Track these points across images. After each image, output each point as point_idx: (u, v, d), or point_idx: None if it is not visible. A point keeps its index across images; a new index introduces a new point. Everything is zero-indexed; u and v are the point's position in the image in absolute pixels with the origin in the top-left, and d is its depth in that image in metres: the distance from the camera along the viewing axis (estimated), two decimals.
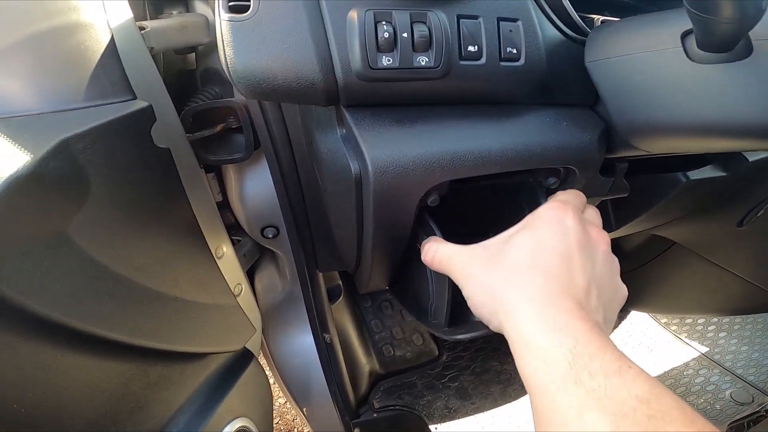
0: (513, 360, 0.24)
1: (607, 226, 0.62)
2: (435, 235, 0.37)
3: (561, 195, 0.34)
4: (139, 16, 0.56)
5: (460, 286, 0.30)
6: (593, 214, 0.33)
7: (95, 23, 0.39)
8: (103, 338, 0.34)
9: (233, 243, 0.77)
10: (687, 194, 0.58)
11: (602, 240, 0.29)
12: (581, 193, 0.35)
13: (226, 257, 0.56)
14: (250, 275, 0.82)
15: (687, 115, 0.34)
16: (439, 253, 0.31)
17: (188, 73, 0.65)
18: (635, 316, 1.08)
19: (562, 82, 0.40)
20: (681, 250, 0.84)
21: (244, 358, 0.57)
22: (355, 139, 0.34)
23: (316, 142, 0.42)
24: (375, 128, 0.34)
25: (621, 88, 0.37)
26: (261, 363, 0.62)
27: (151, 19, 0.58)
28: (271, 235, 0.64)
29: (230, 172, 0.64)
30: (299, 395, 0.76)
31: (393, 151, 0.33)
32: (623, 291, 0.30)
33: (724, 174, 0.58)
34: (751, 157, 0.58)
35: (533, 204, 0.41)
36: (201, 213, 0.48)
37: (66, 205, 0.32)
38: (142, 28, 0.49)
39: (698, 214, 0.68)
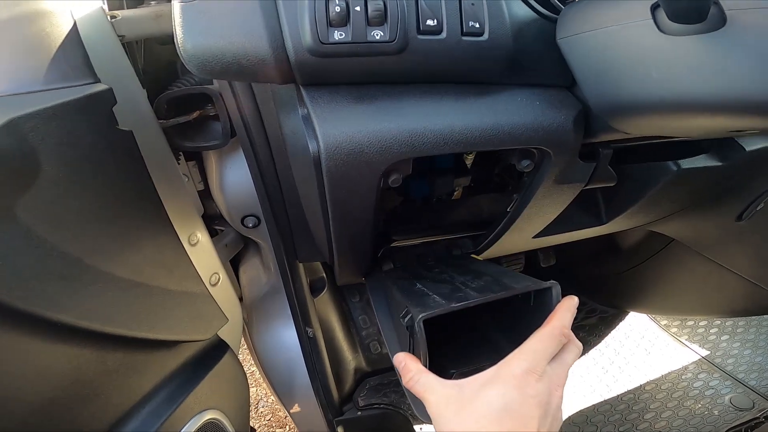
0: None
1: (597, 219, 0.60)
2: (420, 344, 0.34)
3: (536, 341, 0.34)
4: (118, 6, 0.56)
5: (431, 417, 0.33)
6: (567, 359, 0.35)
7: (56, 11, 0.39)
8: (51, 321, 0.33)
9: (215, 233, 0.76)
10: (680, 185, 0.56)
11: (558, 391, 0.33)
12: (563, 330, 0.34)
13: (201, 245, 0.56)
14: (235, 267, 0.82)
15: (661, 90, 0.32)
16: (419, 384, 0.34)
17: (171, 62, 0.65)
18: (634, 317, 1.04)
19: (534, 62, 0.38)
20: (680, 247, 0.81)
21: (218, 348, 0.56)
22: (311, 116, 0.33)
23: (281, 123, 0.41)
24: (331, 105, 0.33)
25: (593, 65, 0.35)
26: (239, 356, 0.61)
27: (130, 8, 0.58)
28: (251, 225, 0.64)
29: (211, 161, 0.64)
30: (283, 391, 0.75)
31: (348, 128, 0.32)
32: (561, 417, 0.34)
33: (720, 164, 0.55)
34: (749, 147, 0.55)
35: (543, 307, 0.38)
36: (170, 198, 0.47)
37: (13, 183, 0.31)
38: (114, 17, 0.49)
39: (695, 208, 0.65)
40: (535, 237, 0.53)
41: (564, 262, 1.17)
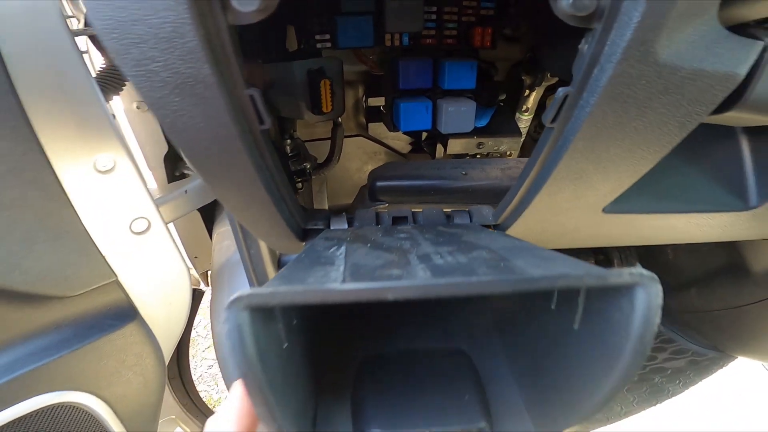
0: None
1: (740, 198, 0.33)
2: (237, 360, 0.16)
3: None
4: None
5: None
6: None
7: None
8: None
9: (183, 176, 0.64)
10: None
11: None
12: None
13: (119, 176, 0.42)
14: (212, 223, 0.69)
15: None
16: None
17: None
18: (742, 364, 0.70)
19: None
20: None
21: (113, 316, 0.42)
22: None
23: None
24: None
25: None
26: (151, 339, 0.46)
27: None
28: None
29: None
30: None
31: None
32: None
33: None
34: None
35: None
36: (64, 111, 0.34)
37: None
38: None
39: None
40: (608, 211, 0.29)
41: None
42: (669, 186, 0.31)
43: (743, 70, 0.18)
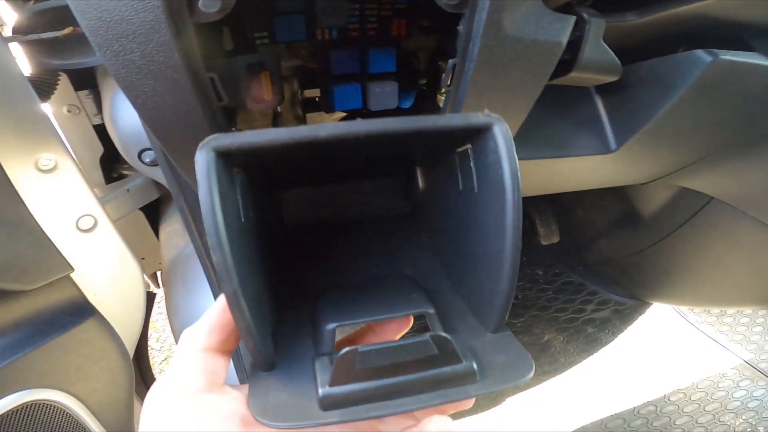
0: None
1: (603, 144, 0.43)
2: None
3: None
4: None
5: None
6: None
7: None
8: None
9: (121, 177, 0.64)
10: (717, 89, 0.39)
11: None
12: None
13: (62, 175, 0.43)
14: (157, 224, 0.70)
15: None
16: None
17: None
18: (658, 311, 0.84)
19: None
20: (722, 210, 0.62)
21: (73, 313, 0.42)
22: None
23: None
24: None
25: None
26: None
27: None
28: (148, 160, 0.51)
29: (106, 89, 0.52)
30: None
31: None
32: None
33: None
34: None
35: None
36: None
37: None
38: None
39: (743, 141, 0.47)
40: None
41: (570, 241, 0.98)
42: (548, 137, 0.41)
43: (564, 39, 0.27)
